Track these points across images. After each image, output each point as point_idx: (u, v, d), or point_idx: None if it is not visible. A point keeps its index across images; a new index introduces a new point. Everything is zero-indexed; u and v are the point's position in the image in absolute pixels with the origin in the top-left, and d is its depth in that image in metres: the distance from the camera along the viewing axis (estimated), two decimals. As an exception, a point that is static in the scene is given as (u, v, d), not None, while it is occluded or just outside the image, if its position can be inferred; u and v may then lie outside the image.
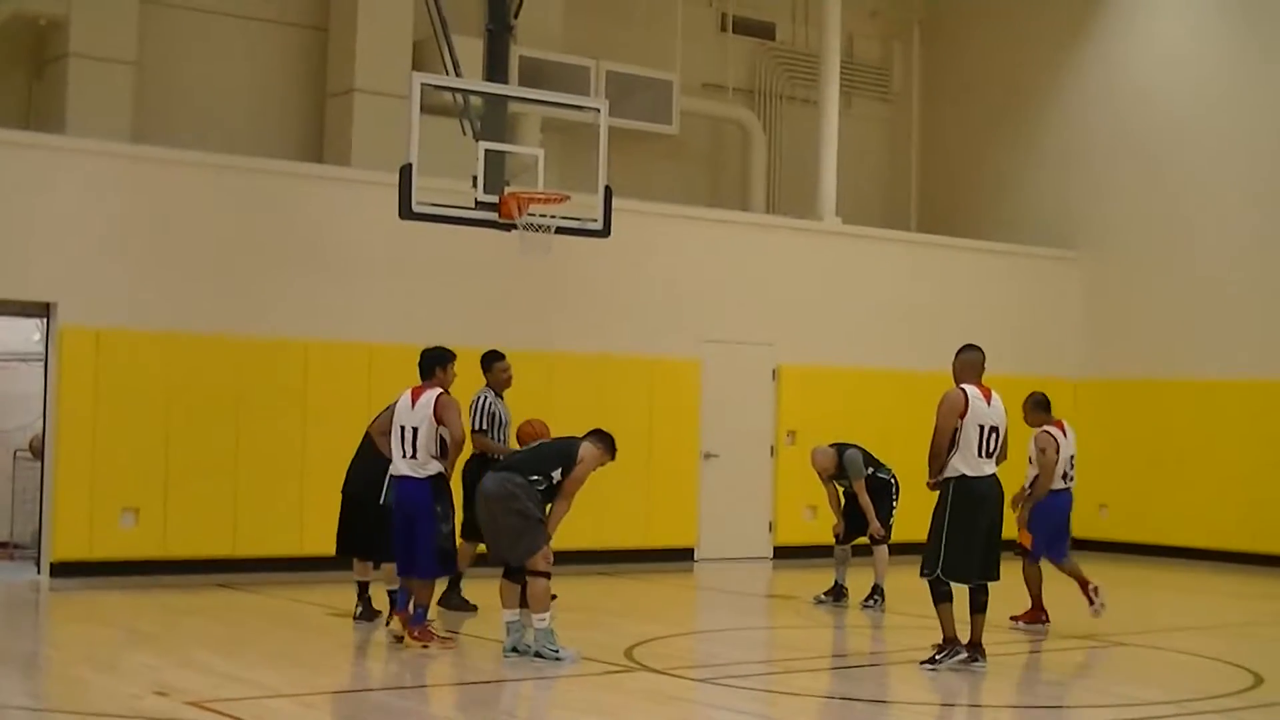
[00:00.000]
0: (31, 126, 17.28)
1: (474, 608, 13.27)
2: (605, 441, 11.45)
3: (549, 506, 11.19)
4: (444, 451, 11.47)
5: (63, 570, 15.16)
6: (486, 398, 13.58)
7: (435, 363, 11.80)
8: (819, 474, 14.98)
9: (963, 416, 11.12)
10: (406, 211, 14.03)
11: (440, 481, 11.49)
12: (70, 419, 15.22)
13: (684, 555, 18.67)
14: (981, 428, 11.12)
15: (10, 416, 17.83)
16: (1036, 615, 13.67)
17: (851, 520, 14.88)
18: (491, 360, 13.81)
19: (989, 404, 11.24)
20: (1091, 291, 21.79)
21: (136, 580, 15.13)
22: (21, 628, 13.33)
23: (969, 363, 11.55)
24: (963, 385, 11.33)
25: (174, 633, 12.30)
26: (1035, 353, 21.42)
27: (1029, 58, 22.68)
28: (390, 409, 11.92)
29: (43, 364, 15.65)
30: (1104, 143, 21.69)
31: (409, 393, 11.70)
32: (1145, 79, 21.37)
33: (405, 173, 13.92)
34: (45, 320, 15.57)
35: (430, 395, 11.53)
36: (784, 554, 19.21)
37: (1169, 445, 20.49)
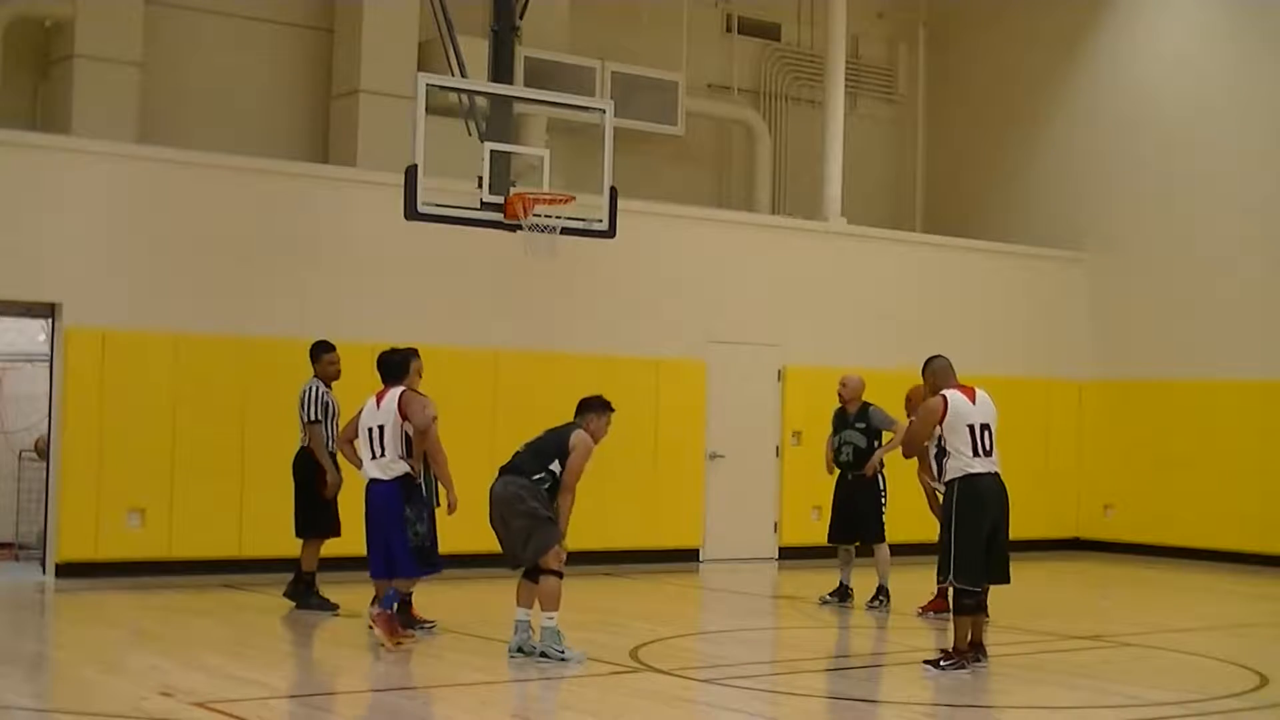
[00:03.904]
0: (37, 127, 17.31)
1: (335, 606, 13.27)
2: (595, 412, 11.38)
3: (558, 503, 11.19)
4: (410, 449, 11.52)
5: (68, 571, 15.18)
6: (318, 388, 13.56)
7: (403, 363, 11.86)
8: (842, 399, 14.83)
9: (941, 422, 11.12)
10: (412, 212, 14.04)
11: (408, 482, 11.52)
12: (76, 420, 15.24)
13: (689, 556, 18.68)
14: (971, 427, 11.10)
15: (16, 417, 17.86)
16: (942, 604, 13.71)
17: (844, 520, 14.84)
18: (320, 351, 13.78)
19: (974, 403, 11.22)
20: (1098, 293, 21.78)
21: (142, 581, 15.15)
22: (27, 628, 13.34)
23: (940, 369, 11.56)
24: (943, 391, 11.31)
25: (179, 633, 12.31)
26: (1041, 354, 21.44)
27: (1034, 58, 22.67)
28: (356, 418, 11.96)
29: (48, 365, 15.66)
30: (1110, 143, 21.68)
31: (374, 397, 11.75)
32: (1151, 79, 21.36)
33: (410, 173, 13.93)
34: (51, 321, 15.59)
35: (394, 393, 11.59)
36: (789, 555, 19.21)
37: (1175, 446, 20.47)
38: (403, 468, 11.50)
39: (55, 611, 14.11)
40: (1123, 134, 21.54)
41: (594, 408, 11.43)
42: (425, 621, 12.51)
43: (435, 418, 11.89)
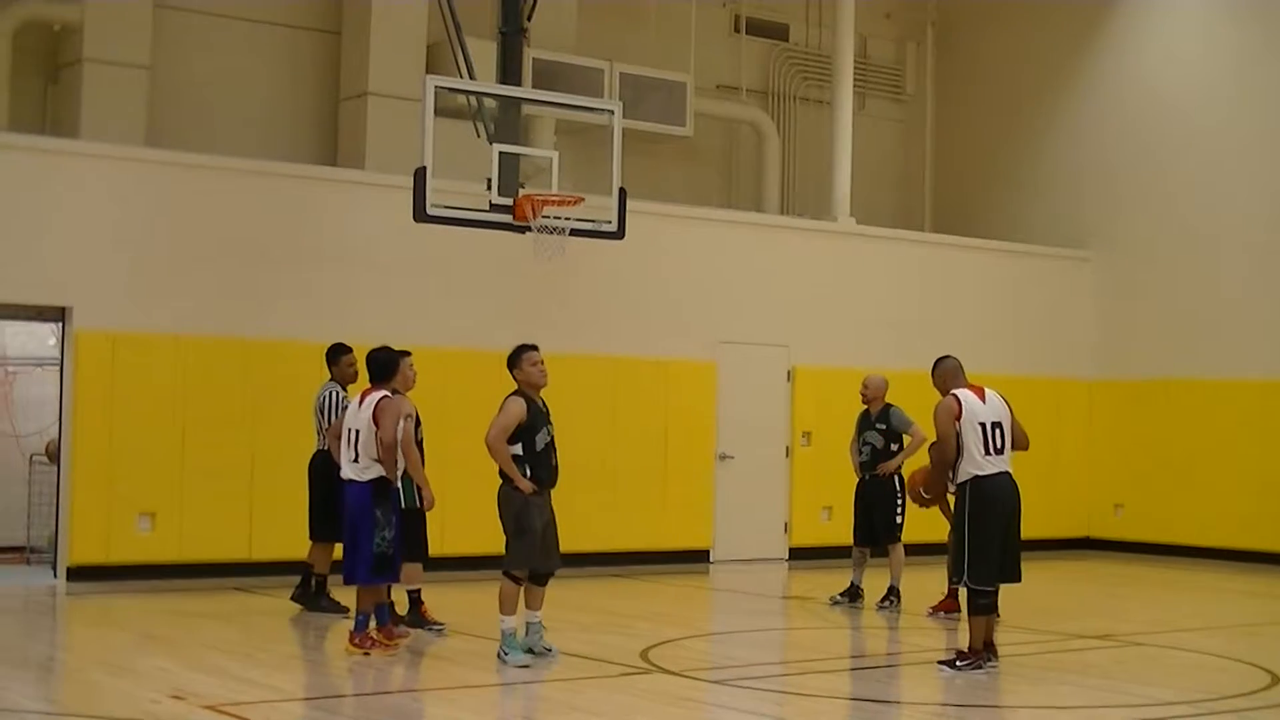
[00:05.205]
0: (47, 131, 17.34)
1: (345, 609, 13.18)
2: (518, 367, 11.22)
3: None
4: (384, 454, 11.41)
5: (79, 574, 15.20)
6: (337, 393, 13.44)
7: (391, 362, 11.76)
8: (864, 400, 14.83)
9: (958, 419, 11.13)
10: (421, 214, 14.04)
11: (382, 485, 11.42)
12: (86, 423, 15.26)
13: (699, 557, 18.66)
14: (983, 425, 11.12)
15: (26, 421, 17.90)
16: (953, 605, 13.71)
17: (866, 522, 14.84)
18: (339, 353, 13.68)
19: (984, 401, 11.25)
20: (1105, 292, 21.75)
21: (152, 584, 15.17)
22: (38, 632, 13.36)
23: (949, 370, 11.59)
24: (953, 391, 11.32)
25: (189, 636, 12.31)
26: (1048, 353, 21.42)
27: (1042, 58, 22.65)
28: (343, 415, 11.92)
29: (58, 368, 15.69)
30: (1117, 143, 21.66)
31: (358, 396, 11.70)
32: (1158, 79, 21.34)
33: (419, 175, 13.93)
34: (61, 324, 15.62)
35: (374, 397, 11.49)
36: (799, 555, 19.20)
37: (1183, 445, 20.45)
38: (377, 471, 11.39)
39: (66, 615, 14.12)
40: (1130, 133, 21.51)
41: (514, 363, 11.28)
42: (435, 623, 12.51)
43: (410, 416, 11.83)
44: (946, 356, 11.74)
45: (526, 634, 11.22)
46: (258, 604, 14.29)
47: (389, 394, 11.52)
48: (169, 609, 13.92)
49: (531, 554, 11.03)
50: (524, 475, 10.99)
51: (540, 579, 11.23)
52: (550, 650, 11.27)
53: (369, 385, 11.67)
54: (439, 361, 15.87)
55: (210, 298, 15.93)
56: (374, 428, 11.31)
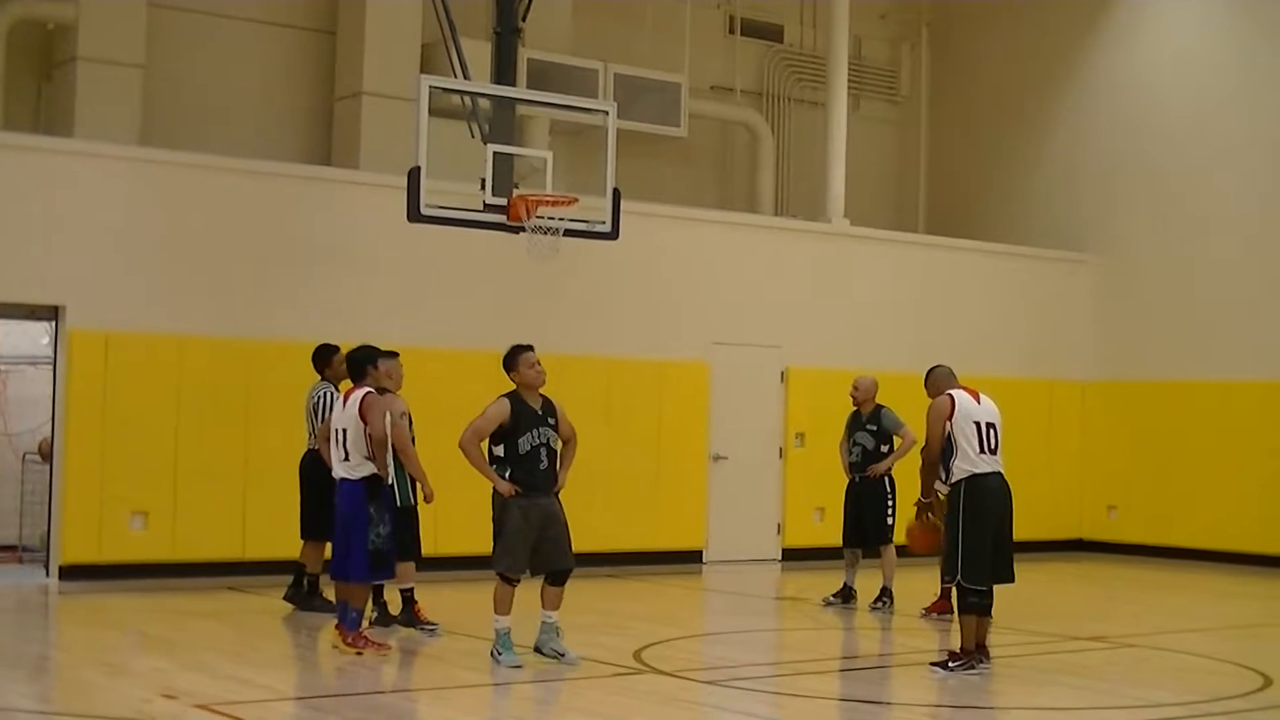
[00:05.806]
0: (40, 130, 17.32)
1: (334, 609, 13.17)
2: (515, 369, 11.19)
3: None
4: (374, 452, 11.39)
5: (72, 573, 15.18)
6: (330, 393, 13.33)
7: (365, 362, 11.71)
8: (855, 401, 14.84)
9: (950, 419, 11.15)
10: (415, 214, 14.04)
11: (374, 483, 11.41)
12: (79, 422, 15.24)
13: (692, 557, 18.67)
14: (977, 424, 11.16)
15: (20, 420, 17.88)
16: (946, 606, 13.72)
17: (855, 523, 14.84)
18: (330, 353, 13.62)
19: (978, 402, 11.28)
20: (1101, 294, 21.76)
21: (145, 583, 15.15)
22: (30, 631, 13.35)
23: (941, 377, 11.72)
24: (948, 391, 11.38)
25: (183, 636, 12.31)
26: (1044, 355, 21.43)
27: (1037, 59, 22.66)
28: (331, 416, 11.91)
29: (52, 367, 15.68)
30: (1113, 144, 21.67)
31: (343, 396, 11.70)
32: (1154, 80, 21.35)
33: (413, 175, 13.93)
34: (54, 323, 15.60)
35: (357, 395, 11.48)
36: (792, 556, 19.20)
37: (1178, 447, 20.46)
38: (369, 469, 11.38)
39: (58, 614, 14.11)
40: (1126, 134, 21.52)
41: (510, 364, 11.23)
42: (429, 623, 12.51)
43: (404, 413, 11.82)
44: (938, 365, 11.88)
45: (539, 633, 11.16)
46: (251, 603, 14.27)
47: (372, 390, 11.52)
48: (162, 608, 13.91)
49: (507, 554, 10.96)
50: (503, 477, 10.94)
51: (556, 578, 11.15)
52: (562, 655, 11.10)
53: (352, 384, 11.69)
54: (432, 362, 15.87)
55: (204, 297, 15.91)
56: (362, 424, 11.32)
